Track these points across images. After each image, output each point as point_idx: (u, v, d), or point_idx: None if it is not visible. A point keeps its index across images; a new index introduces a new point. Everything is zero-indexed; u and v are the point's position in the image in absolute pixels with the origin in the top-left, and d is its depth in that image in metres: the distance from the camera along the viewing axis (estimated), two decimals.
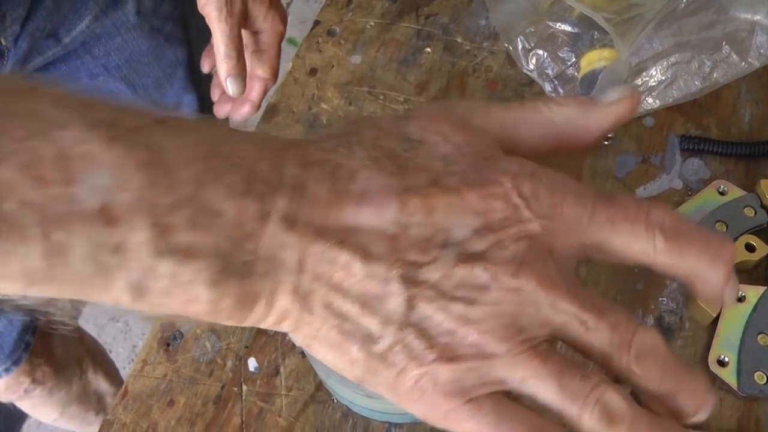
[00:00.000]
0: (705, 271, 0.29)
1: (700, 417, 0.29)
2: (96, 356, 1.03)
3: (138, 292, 0.25)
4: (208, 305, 0.26)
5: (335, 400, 0.52)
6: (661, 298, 0.52)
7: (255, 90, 0.62)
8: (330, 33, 0.69)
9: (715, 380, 0.49)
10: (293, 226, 0.26)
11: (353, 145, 0.28)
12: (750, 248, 0.51)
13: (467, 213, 0.27)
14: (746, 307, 0.50)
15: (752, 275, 0.53)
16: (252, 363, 0.53)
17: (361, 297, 0.27)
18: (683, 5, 0.50)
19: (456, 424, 0.28)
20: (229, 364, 0.54)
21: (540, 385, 0.27)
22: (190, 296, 0.26)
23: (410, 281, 0.27)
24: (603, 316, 0.27)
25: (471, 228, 0.27)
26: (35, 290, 0.25)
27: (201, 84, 0.84)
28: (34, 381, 0.87)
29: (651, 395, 0.28)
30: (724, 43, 0.51)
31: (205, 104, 0.83)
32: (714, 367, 0.49)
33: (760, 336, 0.49)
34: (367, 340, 0.27)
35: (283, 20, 0.62)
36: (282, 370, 0.53)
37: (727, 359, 0.49)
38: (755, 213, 0.53)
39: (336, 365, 0.29)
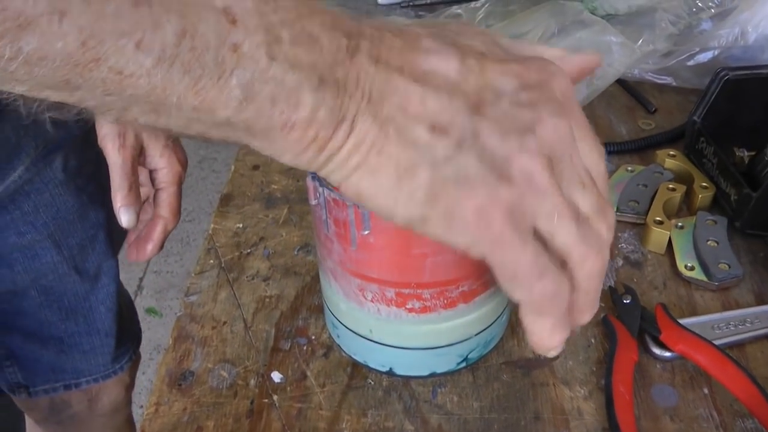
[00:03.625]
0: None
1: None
2: None
3: (248, 92, 0.28)
4: (309, 111, 0.29)
5: (372, 382, 0.51)
6: (619, 245, 0.61)
7: (156, 230, 0.63)
8: None
9: (691, 284, 0.57)
10: (378, 62, 0.31)
11: (411, 26, 0.33)
12: (672, 189, 0.63)
13: (512, 75, 0.33)
14: (687, 230, 0.60)
15: (680, 215, 0.63)
16: (276, 375, 0.52)
17: (433, 125, 0.31)
18: (555, 33, 0.66)
19: (501, 250, 0.31)
20: (252, 382, 0.52)
21: (562, 224, 0.32)
22: (294, 101, 0.29)
23: (475, 113, 0.31)
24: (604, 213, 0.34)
25: (515, 86, 0.32)
26: (161, 70, 0.26)
27: (118, 250, 0.85)
28: None
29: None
30: None
31: None
32: (686, 273, 0.56)
33: (708, 242, 0.58)
34: (436, 163, 0.31)
35: (181, 161, 0.65)
36: (309, 373, 0.52)
37: (691, 264, 0.57)
38: (662, 174, 0.65)
39: (390, 200, 0.31)
